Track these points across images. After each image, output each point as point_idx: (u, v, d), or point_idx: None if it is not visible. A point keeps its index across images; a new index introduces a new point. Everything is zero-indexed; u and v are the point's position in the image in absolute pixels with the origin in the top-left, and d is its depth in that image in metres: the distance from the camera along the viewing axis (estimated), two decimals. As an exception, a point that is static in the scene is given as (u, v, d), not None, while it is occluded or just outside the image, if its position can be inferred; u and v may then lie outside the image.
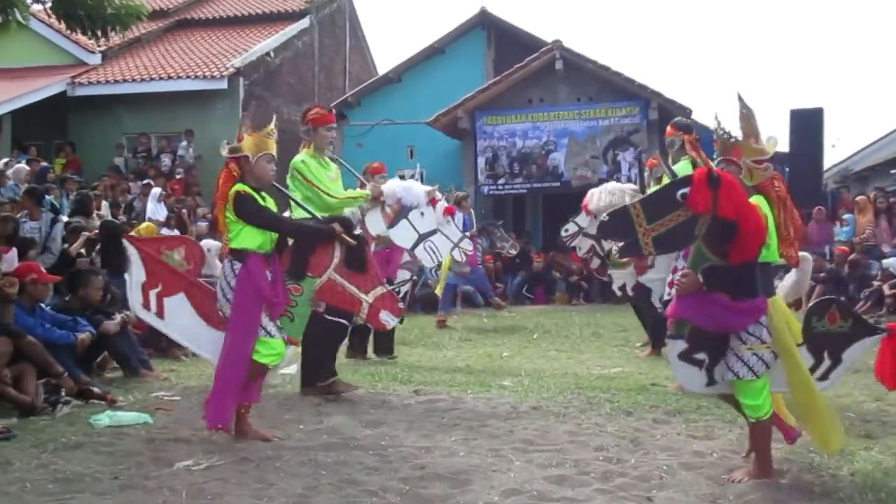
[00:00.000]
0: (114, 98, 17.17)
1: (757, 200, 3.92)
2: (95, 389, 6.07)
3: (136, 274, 5.03)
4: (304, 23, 20.37)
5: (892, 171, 16.50)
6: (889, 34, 60.12)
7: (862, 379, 6.75)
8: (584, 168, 16.23)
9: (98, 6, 8.99)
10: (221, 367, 4.69)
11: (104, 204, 12.16)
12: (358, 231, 5.34)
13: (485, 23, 18.60)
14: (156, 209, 14.09)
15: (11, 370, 5.61)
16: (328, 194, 5.80)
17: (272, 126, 4.87)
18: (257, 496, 3.78)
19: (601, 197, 7.81)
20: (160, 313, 5.02)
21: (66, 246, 8.94)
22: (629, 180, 16.01)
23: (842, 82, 56.66)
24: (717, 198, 3.71)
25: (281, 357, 4.84)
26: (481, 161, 16.65)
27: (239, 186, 4.64)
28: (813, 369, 4.06)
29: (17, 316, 6.04)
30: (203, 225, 15.03)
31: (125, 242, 5.14)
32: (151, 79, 17.15)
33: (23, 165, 12.31)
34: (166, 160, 16.80)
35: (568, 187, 16.41)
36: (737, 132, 4.09)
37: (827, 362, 4.10)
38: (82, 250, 9.05)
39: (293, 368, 7.47)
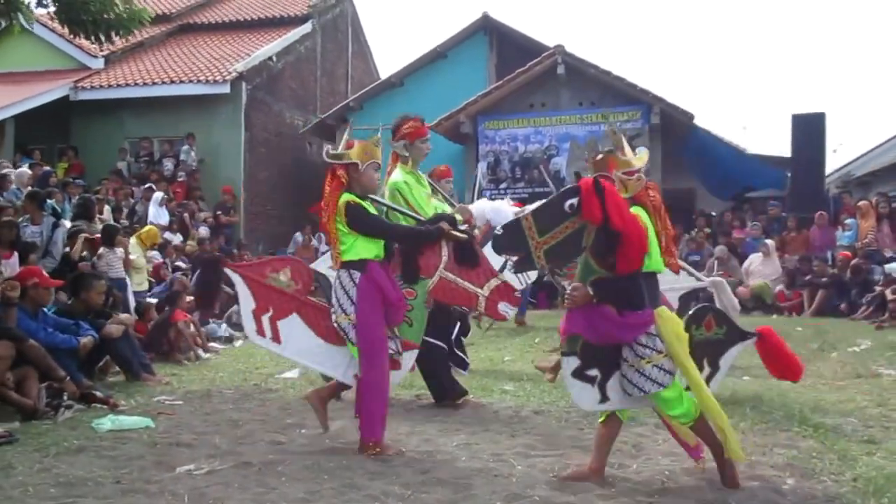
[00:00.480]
0: (117, 102, 17.19)
1: (636, 211, 3.94)
2: (97, 393, 6.08)
3: (244, 302, 4.96)
4: (307, 27, 20.39)
5: None
6: (891, 39, 60.14)
7: (863, 384, 6.77)
8: (585, 173, 16.18)
9: (102, 11, 9.00)
10: (365, 381, 4.56)
11: (106, 208, 12.17)
12: (464, 226, 5.23)
13: (487, 27, 18.61)
14: (158, 213, 14.12)
15: (14, 374, 5.62)
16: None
17: (378, 134, 4.81)
18: (259, 500, 3.78)
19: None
20: (276, 338, 4.93)
21: (66, 250, 8.95)
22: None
23: (844, 87, 56.69)
24: (606, 207, 3.76)
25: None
26: (483, 165, 16.65)
27: (348, 196, 4.57)
28: None
29: (19, 320, 6.06)
30: (204, 230, 15.08)
31: (229, 272, 5.07)
32: (154, 83, 17.16)
33: (25, 169, 12.32)
34: (169, 164, 16.83)
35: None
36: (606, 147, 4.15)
37: (707, 370, 4.13)
38: (84, 253, 9.06)
39: (296, 373, 7.50)
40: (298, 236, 16.54)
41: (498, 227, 4.10)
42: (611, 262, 3.83)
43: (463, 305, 5.43)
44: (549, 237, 3.90)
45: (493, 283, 5.18)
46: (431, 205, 5.62)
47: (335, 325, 4.67)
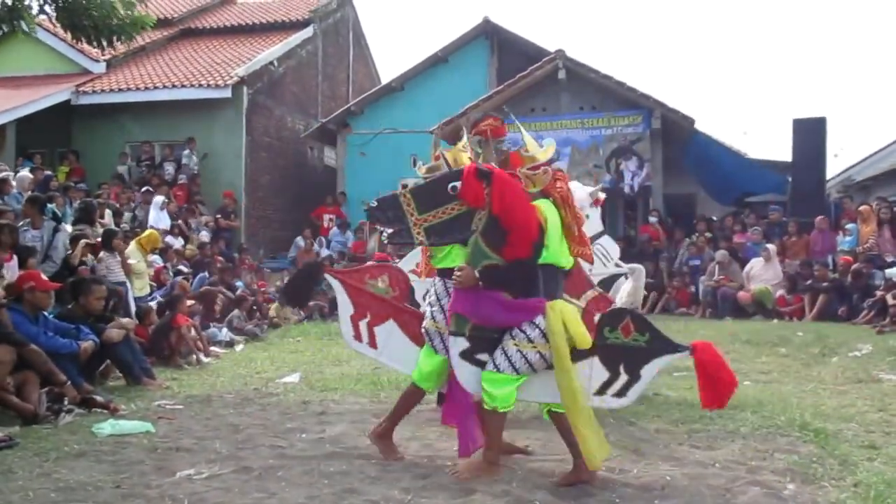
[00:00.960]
0: (118, 106, 17.22)
1: (542, 203, 3.98)
2: (98, 398, 6.08)
3: (343, 307, 4.93)
4: (308, 32, 20.42)
5: None
6: (892, 45, 60.17)
7: (864, 389, 6.76)
8: (586, 177, 16.19)
9: (104, 16, 9.01)
10: (462, 392, 4.38)
11: (107, 212, 12.17)
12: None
13: (488, 32, 18.64)
14: (158, 217, 14.13)
15: (14, 378, 5.62)
16: None
17: (465, 140, 4.72)
18: (259, 505, 3.78)
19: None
20: (372, 343, 4.89)
21: (69, 252, 8.95)
22: (631, 189, 16.07)
23: (845, 92, 56.70)
24: (490, 193, 3.84)
25: None
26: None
27: None
28: (609, 383, 4.03)
29: (19, 324, 6.05)
30: (204, 234, 15.09)
31: (328, 277, 5.01)
32: (155, 87, 17.20)
33: (26, 173, 12.34)
34: (170, 168, 16.86)
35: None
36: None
37: (624, 377, 4.02)
38: (87, 257, 9.06)
39: (296, 377, 7.50)
40: (300, 240, 16.54)
41: (373, 200, 4.25)
42: (501, 249, 3.91)
43: None
44: (430, 215, 4.08)
45: (590, 293, 5.03)
46: None
47: (423, 330, 4.56)
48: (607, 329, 4.03)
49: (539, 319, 3.94)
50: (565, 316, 3.95)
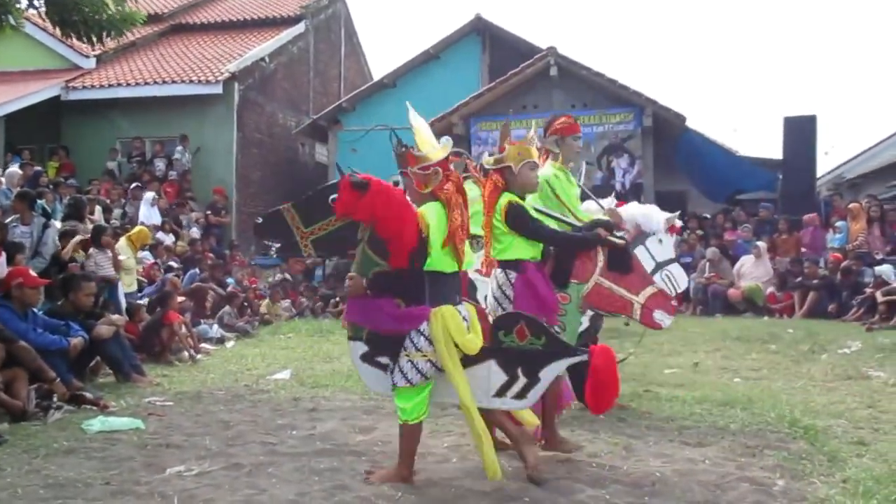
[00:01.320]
0: (108, 102, 17.14)
1: (427, 208, 3.99)
2: (87, 395, 6.06)
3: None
4: (300, 28, 20.37)
5: (894, 184, 16.50)
6: (883, 43, 60.42)
7: (854, 386, 6.80)
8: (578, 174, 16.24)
9: (93, 12, 8.96)
10: None
11: (97, 208, 12.13)
12: (621, 232, 5.10)
13: (480, 29, 18.63)
14: (149, 213, 14.09)
15: (3, 375, 5.59)
16: (575, 216, 5.23)
17: (532, 133, 4.72)
18: (249, 502, 3.77)
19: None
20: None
21: (59, 248, 8.91)
22: (623, 187, 16.08)
23: (835, 90, 56.91)
24: (360, 202, 3.87)
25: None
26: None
27: (509, 196, 4.45)
28: (508, 386, 4.05)
29: (8, 321, 6.03)
30: (195, 230, 15.05)
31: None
32: (146, 83, 17.12)
33: (15, 169, 12.27)
34: (160, 164, 16.80)
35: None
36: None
37: (522, 380, 4.04)
38: (79, 253, 9.01)
39: (287, 374, 7.49)
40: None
41: (259, 218, 4.42)
42: (387, 258, 3.96)
43: (618, 312, 5.21)
44: (316, 228, 4.25)
45: (649, 290, 5.04)
46: (579, 204, 5.45)
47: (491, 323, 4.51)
48: (502, 333, 4.07)
49: (424, 327, 3.95)
50: (448, 322, 3.93)
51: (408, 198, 4.08)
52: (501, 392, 4.06)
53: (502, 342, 4.06)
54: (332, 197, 4.04)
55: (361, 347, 4.12)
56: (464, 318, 4.01)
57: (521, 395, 4.05)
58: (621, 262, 5.01)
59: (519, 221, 4.43)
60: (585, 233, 4.81)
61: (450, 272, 4.04)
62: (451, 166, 4.49)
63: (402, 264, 3.91)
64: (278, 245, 4.37)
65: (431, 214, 3.96)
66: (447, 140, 4.20)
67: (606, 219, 5.12)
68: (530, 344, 4.03)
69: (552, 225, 4.86)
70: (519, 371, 4.02)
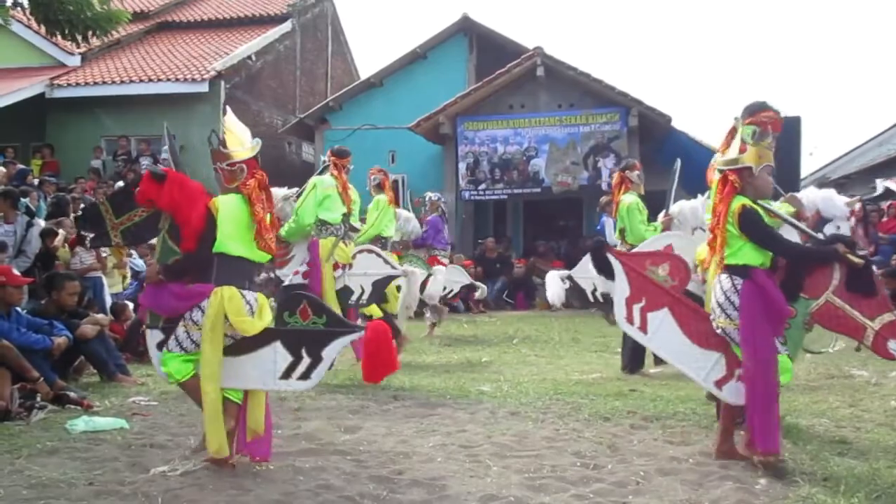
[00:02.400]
0: (93, 100, 17.03)
1: (224, 198, 4.29)
2: (71, 394, 6.03)
3: (620, 289, 4.87)
4: (286, 26, 20.31)
5: (879, 180, 16.62)
6: (866, 44, 60.87)
7: (835, 385, 6.85)
8: (564, 174, 16.29)
9: (78, 11, 8.89)
10: (752, 390, 4.31)
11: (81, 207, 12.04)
12: (863, 251, 4.86)
13: (467, 29, 18.63)
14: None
15: (-14, 375, 5.56)
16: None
17: (770, 138, 4.58)
18: (234, 502, 3.77)
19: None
20: (643, 328, 4.79)
21: (52, 245, 8.85)
22: (609, 187, 16.12)
23: (820, 91, 57.29)
24: (158, 192, 4.33)
25: (790, 374, 4.60)
26: (462, 166, 16.66)
27: (744, 200, 4.35)
28: (293, 367, 4.21)
29: (-8, 320, 5.99)
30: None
31: (610, 258, 4.96)
32: (131, 81, 17.03)
33: (-1, 167, 12.20)
34: (146, 163, 16.69)
35: (549, 193, 16.46)
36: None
37: (307, 360, 4.20)
38: (62, 251, 8.96)
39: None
40: (277, 236, 16.47)
41: (80, 209, 4.69)
42: (180, 244, 4.35)
43: (848, 335, 4.90)
44: (125, 219, 4.63)
45: (887, 317, 4.67)
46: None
47: (718, 329, 4.49)
48: (287, 314, 4.25)
49: (205, 303, 4.21)
50: (226, 302, 4.14)
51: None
52: (287, 374, 4.23)
53: (287, 323, 4.23)
54: (138, 189, 4.46)
55: (158, 335, 4.49)
56: (248, 301, 4.20)
57: (305, 376, 4.22)
58: (863, 283, 4.60)
59: (752, 227, 4.33)
60: (822, 247, 4.66)
61: (237, 256, 4.23)
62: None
63: (191, 247, 4.29)
64: (92, 235, 4.76)
65: (225, 202, 4.27)
66: (257, 141, 4.46)
67: (847, 234, 5.01)
68: (313, 323, 4.21)
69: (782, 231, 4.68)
70: (303, 351, 4.20)
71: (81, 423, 5.23)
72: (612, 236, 11.76)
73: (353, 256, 7.15)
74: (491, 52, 18.22)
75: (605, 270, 5.24)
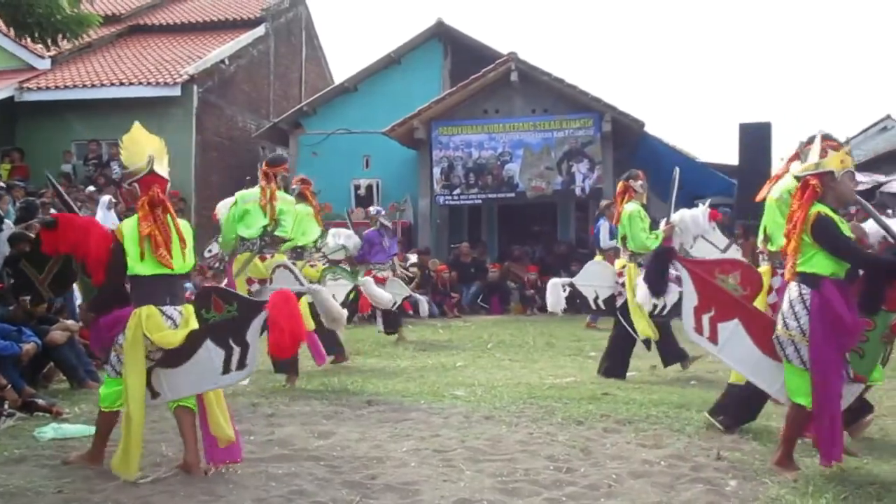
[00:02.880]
0: (64, 104, 16.83)
1: (130, 220, 4.35)
2: (40, 401, 5.94)
3: (688, 297, 4.79)
4: (260, 31, 20.21)
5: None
6: (837, 50, 61.75)
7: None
8: (538, 179, 16.36)
9: (48, 14, 8.79)
10: (818, 401, 4.23)
11: (52, 212, 11.89)
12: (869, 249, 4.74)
13: (441, 34, 18.65)
14: (106, 217, 13.82)
15: (-47, 382, 5.47)
16: None
17: (849, 146, 4.48)
18: (205, 509, 3.74)
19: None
20: (713, 338, 4.70)
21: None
22: (583, 192, 16.23)
23: (790, 97, 58.01)
24: (56, 238, 4.66)
25: (879, 375, 4.53)
26: (437, 171, 16.68)
27: (820, 208, 4.26)
28: (228, 359, 4.30)
29: (-41, 326, 5.90)
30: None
31: (678, 265, 4.89)
32: (103, 85, 16.84)
33: (-33, 172, 12.01)
34: (117, 167, 16.52)
35: (523, 198, 16.52)
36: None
37: (237, 349, 4.31)
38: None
39: (245, 380, 7.41)
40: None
41: (9, 281, 5.41)
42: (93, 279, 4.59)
43: None
44: (46, 272, 4.85)
45: None
46: None
47: (774, 338, 4.42)
48: (204, 311, 4.35)
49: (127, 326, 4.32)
50: (146, 321, 4.20)
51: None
52: (226, 368, 4.31)
53: (207, 319, 4.32)
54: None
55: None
56: (169, 316, 4.25)
57: (241, 365, 4.31)
58: None
59: (825, 235, 4.23)
60: None
61: (150, 275, 4.28)
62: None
63: (101, 278, 4.51)
64: (28, 297, 5.18)
65: (127, 225, 4.33)
66: (149, 158, 4.42)
67: None
68: (227, 312, 4.31)
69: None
70: (231, 342, 4.29)
71: (50, 431, 5.17)
72: (605, 240, 11.94)
73: (273, 271, 7.15)
74: (465, 56, 18.27)
75: (657, 282, 5.21)
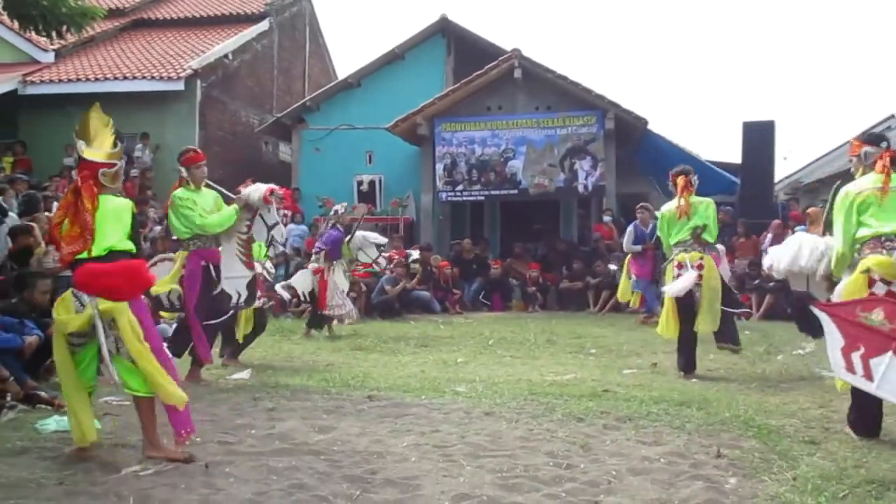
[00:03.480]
0: (67, 97, 16.84)
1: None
2: (42, 394, 5.97)
3: (832, 339, 4.70)
4: (264, 25, 20.23)
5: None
6: (840, 48, 61.64)
7: (806, 386, 6.93)
8: (541, 176, 16.35)
9: (52, 6, 8.81)
10: None
11: (54, 205, 11.91)
12: None
13: (445, 30, 18.64)
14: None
15: (-45, 374, 5.49)
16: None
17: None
18: (206, 501, 3.75)
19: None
20: (867, 375, 4.58)
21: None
22: (585, 189, 16.21)
23: (794, 95, 57.94)
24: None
25: None
26: (440, 167, 16.68)
27: None
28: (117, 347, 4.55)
29: (-39, 319, 5.92)
30: (158, 229, 14.86)
31: (817, 311, 4.79)
32: (106, 78, 16.88)
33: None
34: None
35: (525, 195, 16.52)
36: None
37: (112, 333, 4.50)
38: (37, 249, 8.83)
39: (247, 374, 7.45)
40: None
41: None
42: None
43: None
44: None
45: None
46: None
47: None
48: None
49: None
50: (59, 303, 4.54)
51: None
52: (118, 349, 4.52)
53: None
54: None
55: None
56: (78, 298, 4.46)
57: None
58: None
59: None
60: None
61: (76, 260, 4.47)
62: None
63: (65, 262, 4.61)
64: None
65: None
66: (79, 145, 4.75)
67: None
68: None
69: None
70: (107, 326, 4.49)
71: (52, 423, 5.19)
72: (628, 244, 12.03)
73: (154, 264, 7.28)
74: (469, 53, 18.25)
75: (808, 328, 5.12)
